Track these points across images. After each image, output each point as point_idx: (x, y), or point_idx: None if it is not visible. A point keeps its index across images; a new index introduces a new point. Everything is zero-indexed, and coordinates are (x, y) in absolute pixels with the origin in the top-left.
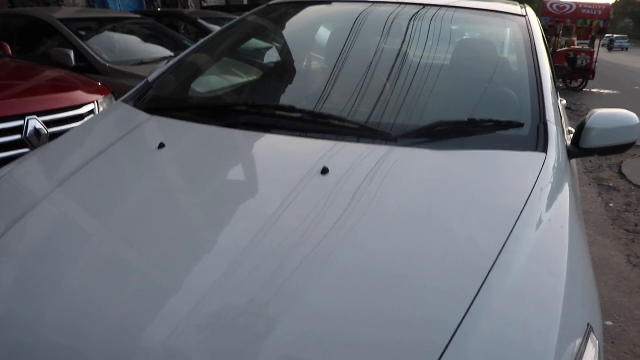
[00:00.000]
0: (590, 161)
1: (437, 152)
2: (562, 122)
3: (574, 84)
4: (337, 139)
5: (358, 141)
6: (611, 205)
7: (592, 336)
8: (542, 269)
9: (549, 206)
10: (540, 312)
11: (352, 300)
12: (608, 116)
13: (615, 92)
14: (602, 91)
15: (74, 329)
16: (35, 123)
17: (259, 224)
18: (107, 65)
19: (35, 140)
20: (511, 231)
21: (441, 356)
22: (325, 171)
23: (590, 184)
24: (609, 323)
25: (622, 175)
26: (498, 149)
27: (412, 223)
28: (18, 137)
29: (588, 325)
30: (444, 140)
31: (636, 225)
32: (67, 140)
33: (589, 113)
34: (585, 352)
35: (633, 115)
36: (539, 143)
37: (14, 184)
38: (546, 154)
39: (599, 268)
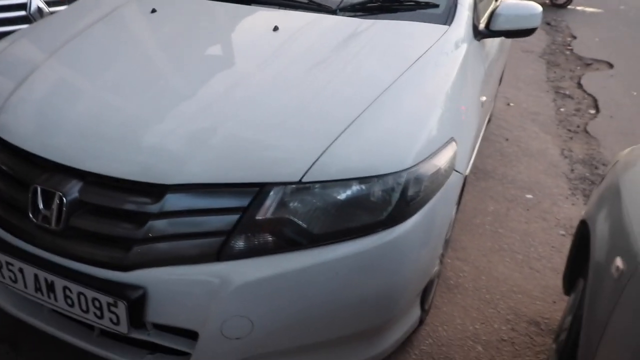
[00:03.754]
0: (555, 72)
1: (366, 20)
2: (477, 10)
3: (559, 1)
4: (288, 9)
5: (306, 10)
6: (562, 109)
7: (453, 144)
8: (421, 97)
9: (441, 60)
10: (412, 121)
11: (283, 103)
12: (515, 5)
13: (600, 10)
14: (586, 9)
15: (91, 127)
16: (38, 1)
17: (227, 62)
18: None
19: (38, 17)
20: (404, 71)
21: (334, 140)
22: (275, 28)
23: (548, 91)
24: (529, 196)
25: (580, 86)
26: (415, 21)
27: (334, 62)
28: (23, 13)
29: (451, 137)
30: (375, 13)
31: (578, 126)
32: (70, 11)
33: (499, 1)
34: (444, 150)
35: (537, 5)
36: (448, 20)
37: (25, 45)
38: (449, 26)
39: (534, 156)
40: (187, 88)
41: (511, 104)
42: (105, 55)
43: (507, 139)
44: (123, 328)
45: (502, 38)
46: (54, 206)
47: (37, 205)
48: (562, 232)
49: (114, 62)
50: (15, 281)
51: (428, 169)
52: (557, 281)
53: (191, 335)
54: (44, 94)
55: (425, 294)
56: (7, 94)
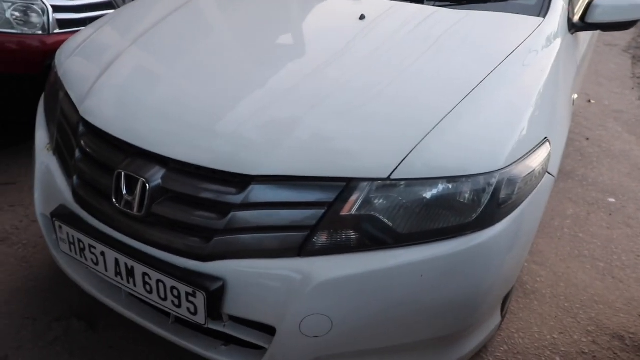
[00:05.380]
0: None
1: (456, 10)
2: (572, 1)
3: None
4: None
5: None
6: None
7: (547, 144)
8: (516, 93)
9: (535, 55)
10: (505, 119)
11: (370, 94)
12: None
13: None
14: None
15: (174, 114)
16: None
17: (313, 49)
18: None
19: (120, 2)
20: (497, 66)
21: (425, 136)
22: (362, 17)
23: (633, 88)
24: (611, 200)
25: None
26: (509, 13)
27: (423, 53)
28: None
29: (545, 137)
30: (464, 3)
31: None
32: None
33: None
34: (538, 151)
35: None
36: (542, 11)
37: (109, 32)
38: (544, 18)
39: (617, 157)
40: (272, 76)
41: (592, 101)
42: (187, 41)
43: (587, 139)
44: (200, 318)
45: (593, 32)
46: (137, 192)
47: (121, 190)
48: None
49: (194, 49)
50: (96, 264)
51: (522, 170)
52: None
53: (267, 330)
54: (128, 80)
55: (505, 300)
56: (93, 79)
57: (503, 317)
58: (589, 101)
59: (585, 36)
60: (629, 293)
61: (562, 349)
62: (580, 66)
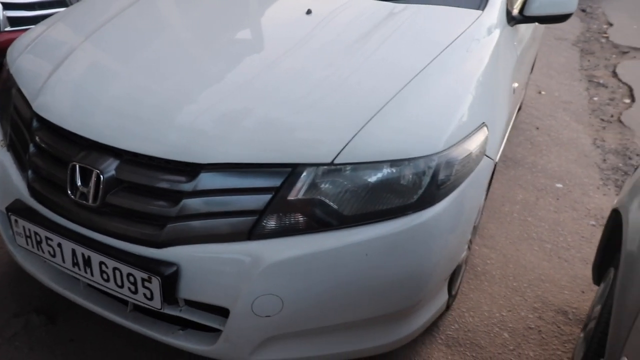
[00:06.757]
0: (589, 60)
1: (398, 5)
2: None
3: None
4: None
5: None
6: (595, 99)
7: (484, 129)
8: (454, 81)
9: (474, 45)
10: (444, 104)
11: (316, 84)
12: None
13: None
14: None
15: (127, 107)
16: None
17: (260, 44)
18: None
19: (74, 0)
20: (437, 55)
21: (367, 122)
22: (309, 12)
23: (581, 80)
24: (559, 185)
25: (615, 74)
26: (449, 6)
27: (367, 46)
28: None
29: (483, 122)
30: None
31: (612, 116)
32: None
33: None
34: (476, 135)
35: None
36: (481, 4)
37: (62, 29)
38: (483, 11)
39: (565, 145)
40: (220, 69)
41: (542, 92)
42: (140, 36)
43: (537, 128)
44: (156, 303)
45: (536, 25)
46: (92, 183)
47: (75, 182)
48: (593, 223)
49: (148, 44)
50: (53, 255)
51: (459, 153)
52: (586, 271)
53: (222, 312)
54: (81, 75)
55: (452, 279)
56: (46, 75)
57: (453, 297)
58: (540, 92)
59: (526, 29)
60: (574, 271)
61: (510, 325)
62: (521, 57)
